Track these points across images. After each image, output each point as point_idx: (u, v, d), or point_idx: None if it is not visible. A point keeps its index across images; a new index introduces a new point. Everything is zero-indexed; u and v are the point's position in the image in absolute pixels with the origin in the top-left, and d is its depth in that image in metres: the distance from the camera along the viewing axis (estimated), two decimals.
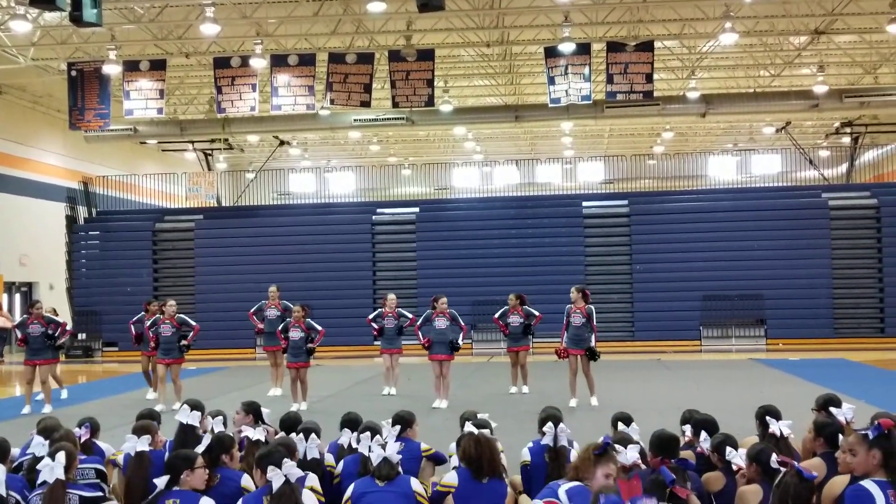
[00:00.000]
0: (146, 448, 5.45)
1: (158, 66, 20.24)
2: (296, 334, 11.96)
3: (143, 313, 13.85)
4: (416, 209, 24.30)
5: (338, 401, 12.48)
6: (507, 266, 22.19)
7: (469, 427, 5.34)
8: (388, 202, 26.24)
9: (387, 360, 13.32)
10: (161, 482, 4.59)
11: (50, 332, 12.42)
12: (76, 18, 13.35)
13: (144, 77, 20.08)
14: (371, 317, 13.54)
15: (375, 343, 13.76)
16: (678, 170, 27.88)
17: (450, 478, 5.19)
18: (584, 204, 23.74)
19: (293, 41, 21.35)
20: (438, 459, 6.13)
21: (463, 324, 12.65)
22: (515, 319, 13.11)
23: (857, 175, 27.69)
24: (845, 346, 19.93)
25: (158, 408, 10.08)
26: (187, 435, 5.62)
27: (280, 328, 12.41)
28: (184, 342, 12.42)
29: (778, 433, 5.19)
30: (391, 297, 13.62)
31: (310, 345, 11.95)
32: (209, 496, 4.72)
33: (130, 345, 14.08)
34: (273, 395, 13.05)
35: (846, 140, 28.31)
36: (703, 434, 5.39)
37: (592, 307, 11.72)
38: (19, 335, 12.45)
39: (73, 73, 20.28)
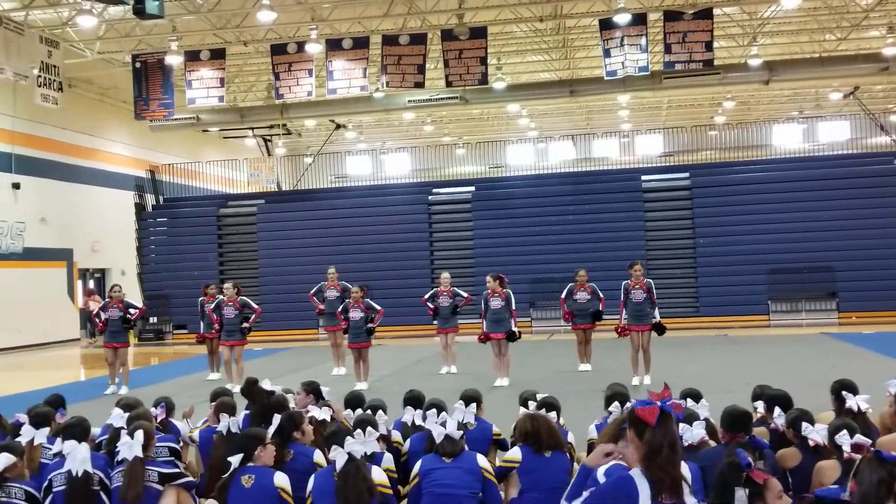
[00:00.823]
0: (235, 429, 5.65)
1: (218, 55, 20.59)
2: (356, 314, 12.07)
3: (202, 297, 14.25)
4: (472, 188, 24.26)
5: (398, 379, 12.59)
6: (566, 243, 22.00)
7: (522, 410, 5.40)
8: (444, 182, 26.25)
9: (442, 339, 13.37)
10: (235, 460, 4.77)
11: (128, 316, 12.86)
12: (139, 11, 13.73)
13: (205, 66, 20.45)
14: (426, 297, 13.58)
15: (433, 323, 13.80)
16: (741, 140, 27.12)
17: (513, 453, 5.21)
18: (644, 178, 23.32)
19: (347, 25, 21.45)
20: (504, 445, 6.16)
21: (513, 308, 11.98)
22: (583, 296, 12.96)
23: None
24: None
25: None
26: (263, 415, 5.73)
27: (340, 309, 12.55)
28: (245, 325, 12.65)
29: (855, 408, 5.03)
30: (445, 275, 13.62)
31: (369, 325, 12.06)
32: (283, 472, 4.89)
33: (199, 329, 14.41)
34: (337, 375, 13.26)
35: None
36: (777, 410, 5.26)
37: (651, 281, 11.60)
38: (103, 318, 12.87)
39: (138, 64, 20.80)
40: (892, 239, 20.77)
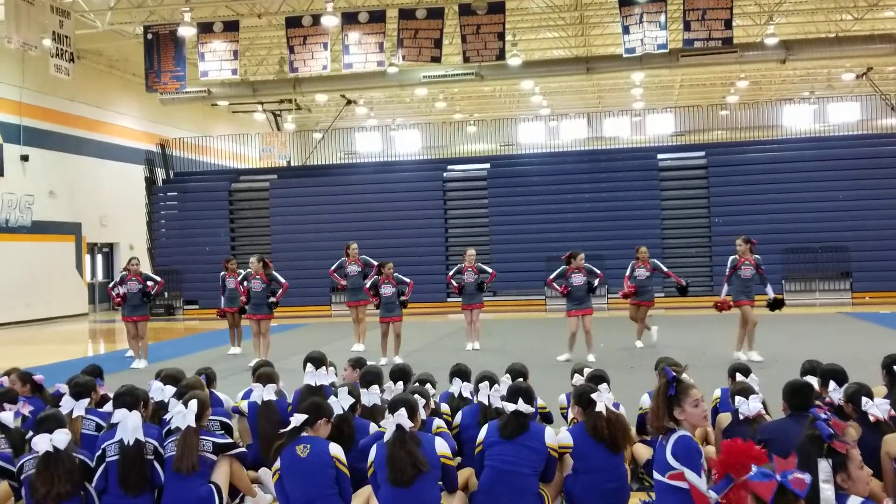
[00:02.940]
0: (273, 397, 5.59)
1: (231, 27, 20.36)
2: (388, 290, 12.05)
3: (223, 272, 14.18)
4: (487, 165, 24.14)
5: (425, 355, 12.56)
6: (582, 221, 21.97)
7: (601, 405, 5.03)
8: (459, 159, 26.10)
9: (468, 315, 13.28)
10: (297, 419, 4.70)
11: (146, 289, 12.78)
12: None
13: (218, 38, 20.22)
14: (451, 274, 13.50)
15: (452, 299, 13.72)
16: (752, 120, 27.01)
17: (565, 439, 5.08)
18: (660, 156, 23.24)
19: None
20: (549, 418, 6.13)
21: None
22: (643, 273, 12.93)
23: None
24: None
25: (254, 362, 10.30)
26: (314, 393, 5.70)
27: (368, 285, 12.47)
28: (272, 299, 12.56)
29: None
30: (471, 252, 13.53)
31: (402, 298, 12.07)
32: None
33: (218, 304, 14.34)
34: (357, 351, 13.16)
35: None
36: (833, 384, 5.25)
37: (759, 257, 11.74)
38: (120, 291, 12.77)
39: (149, 36, 20.54)
40: None
